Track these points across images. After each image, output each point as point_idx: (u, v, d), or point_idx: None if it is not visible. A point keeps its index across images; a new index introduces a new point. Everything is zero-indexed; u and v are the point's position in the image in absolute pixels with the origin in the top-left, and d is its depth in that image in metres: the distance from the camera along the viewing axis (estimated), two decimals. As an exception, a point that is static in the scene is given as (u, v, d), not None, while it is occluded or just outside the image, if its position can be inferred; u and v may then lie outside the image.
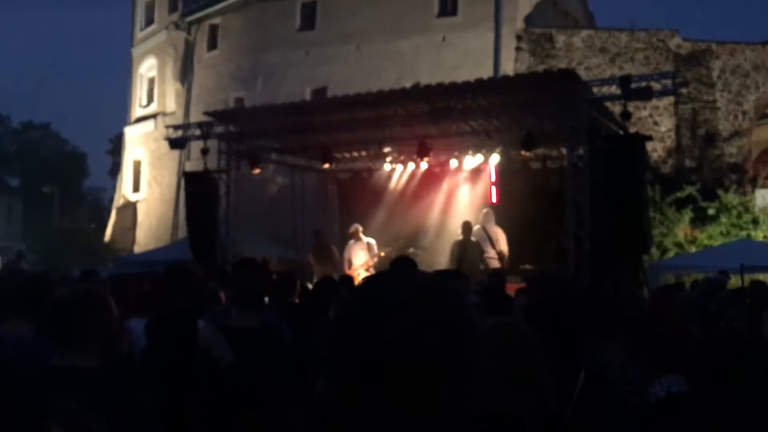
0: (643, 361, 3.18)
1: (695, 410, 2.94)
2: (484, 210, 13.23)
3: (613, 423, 2.85)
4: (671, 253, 15.79)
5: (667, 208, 16.33)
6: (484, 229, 12.87)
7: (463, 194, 15.03)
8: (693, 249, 15.80)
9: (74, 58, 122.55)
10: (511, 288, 8.41)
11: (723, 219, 16.19)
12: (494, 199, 14.38)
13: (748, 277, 12.07)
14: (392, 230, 14.61)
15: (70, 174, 50.26)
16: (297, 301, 6.50)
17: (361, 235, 13.84)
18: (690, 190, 16.51)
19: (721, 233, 15.98)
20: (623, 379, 2.97)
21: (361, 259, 13.63)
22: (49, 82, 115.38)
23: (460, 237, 12.71)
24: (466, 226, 12.68)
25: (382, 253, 13.86)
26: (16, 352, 3.10)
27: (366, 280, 1.25)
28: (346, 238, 14.42)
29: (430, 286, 1.16)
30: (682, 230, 16.25)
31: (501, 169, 14.49)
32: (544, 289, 5.27)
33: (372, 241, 13.90)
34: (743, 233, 15.72)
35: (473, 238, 12.57)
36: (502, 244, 12.79)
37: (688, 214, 16.24)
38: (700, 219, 16.41)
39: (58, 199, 37.29)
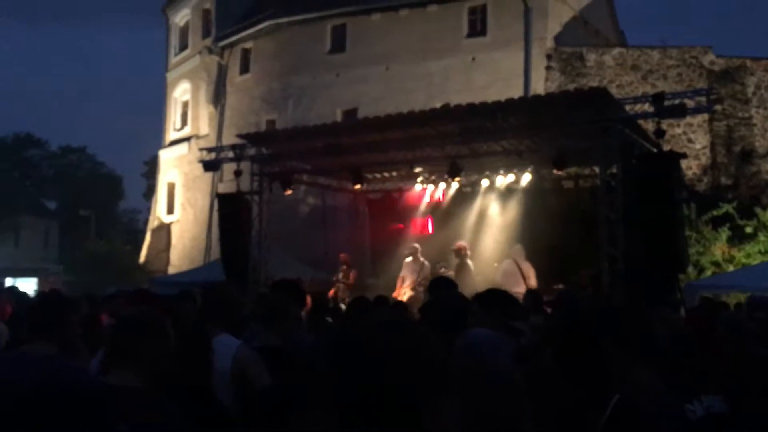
0: (678, 380, 3.10)
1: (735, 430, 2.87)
2: (516, 245, 13.18)
3: None
4: (708, 272, 15.48)
5: (703, 227, 16.04)
6: (516, 263, 12.81)
7: (494, 214, 14.99)
8: (731, 268, 15.46)
9: (110, 83, 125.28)
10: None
11: (761, 237, 15.84)
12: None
13: (788, 297, 11.85)
14: (424, 250, 14.60)
15: (106, 197, 51.06)
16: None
17: (419, 256, 13.98)
18: (727, 207, 16.19)
19: (760, 252, 15.63)
20: (655, 404, 2.87)
21: (410, 279, 13.78)
22: (85, 106, 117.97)
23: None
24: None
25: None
26: (47, 370, 3.12)
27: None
28: (378, 257, 14.53)
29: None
30: (719, 249, 15.94)
31: (533, 188, 14.42)
32: (560, 311, 5.21)
33: (427, 263, 13.97)
34: (782, 252, 15.39)
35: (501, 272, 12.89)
36: (533, 281, 12.74)
37: (725, 233, 15.92)
38: (738, 237, 16.08)
39: (94, 222, 37.91)
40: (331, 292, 14.19)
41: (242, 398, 3.85)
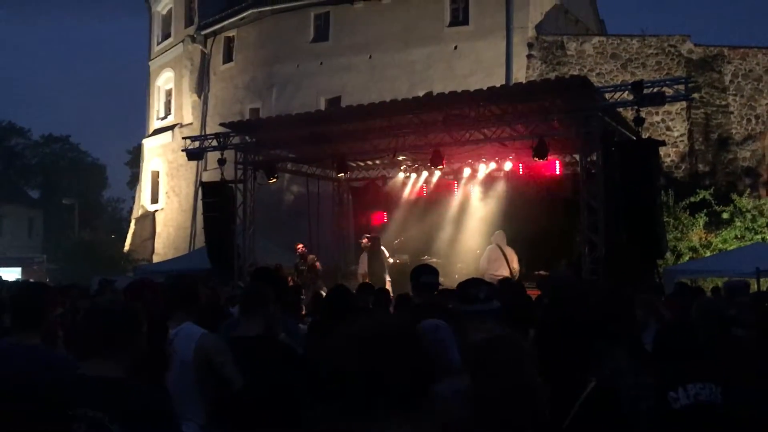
0: (662, 367, 3.13)
1: (723, 420, 2.86)
2: (497, 231, 13.32)
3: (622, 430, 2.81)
4: (686, 258, 15.75)
5: (681, 213, 16.31)
6: (500, 248, 12.97)
7: (476, 201, 15.15)
8: (707, 253, 15.75)
9: (93, 72, 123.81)
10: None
11: (737, 223, 16.13)
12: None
13: (764, 281, 12.13)
14: (407, 238, 14.74)
15: (90, 185, 50.76)
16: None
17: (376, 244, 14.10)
18: (704, 194, 16.46)
19: (736, 237, 15.92)
20: (633, 388, 2.91)
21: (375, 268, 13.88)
22: (68, 95, 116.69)
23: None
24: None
25: (395, 260, 14.10)
26: (31, 362, 3.16)
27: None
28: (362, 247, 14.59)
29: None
30: (696, 234, 16.22)
31: (514, 176, 14.58)
32: (549, 293, 5.27)
33: (384, 249, 14.13)
34: (758, 237, 15.65)
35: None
36: (515, 264, 12.95)
37: (702, 219, 16.20)
38: (715, 223, 16.36)
39: (78, 211, 37.65)
40: (290, 280, 14.21)
41: (211, 387, 3.85)
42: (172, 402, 2.71)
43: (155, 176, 30.16)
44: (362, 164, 16.33)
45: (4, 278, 14.09)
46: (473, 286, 3.60)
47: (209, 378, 3.84)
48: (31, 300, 3.54)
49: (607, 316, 3.16)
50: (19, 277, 19.77)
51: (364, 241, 14.27)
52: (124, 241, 31.83)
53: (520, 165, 14.09)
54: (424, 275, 4.91)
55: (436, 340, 3.43)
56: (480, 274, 11.26)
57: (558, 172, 13.98)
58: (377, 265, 13.76)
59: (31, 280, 16.41)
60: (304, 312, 9.26)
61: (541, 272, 12.70)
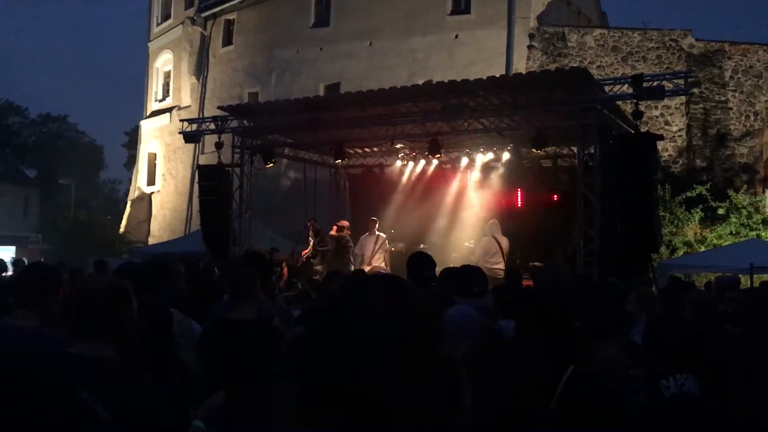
0: (655, 358, 3.17)
1: (705, 410, 2.90)
2: (491, 221, 13.27)
3: (607, 420, 2.82)
4: (680, 252, 15.81)
5: (676, 208, 16.35)
6: (495, 239, 12.96)
7: (473, 191, 15.14)
8: (702, 248, 15.80)
9: (92, 52, 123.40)
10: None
11: (733, 219, 16.18)
12: (519, 203, 14.65)
13: (758, 277, 12.18)
14: (403, 226, 14.74)
15: (87, 166, 50.63)
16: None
17: (376, 229, 14.07)
18: (700, 189, 16.50)
19: (731, 233, 15.97)
20: (621, 377, 2.93)
21: (368, 251, 13.89)
22: (66, 75, 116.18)
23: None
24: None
25: (393, 248, 14.07)
26: (28, 340, 3.17)
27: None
28: (359, 231, 14.58)
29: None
30: (691, 230, 16.26)
31: (512, 167, 14.58)
32: (539, 285, 5.27)
33: (383, 235, 14.09)
34: (753, 233, 15.70)
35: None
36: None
37: (698, 214, 16.24)
38: (710, 219, 16.41)
39: (75, 191, 37.61)
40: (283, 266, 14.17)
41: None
42: (163, 387, 2.66)
43: (152, 158, 30.10)
44: (360, 151, 16.31)
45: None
46: (471, 279, 3.60)
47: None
48: (35, 281, 3.54)
49: (596, 310, 3.16)
50: (14, 255, 19.72)
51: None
52: (120, 222, 31.79)
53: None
54: (426, 270, 4.90)
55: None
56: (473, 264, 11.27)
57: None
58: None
59: (42, 260, 16.38)
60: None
61: (536, 263, 12.72)
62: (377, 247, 13.84)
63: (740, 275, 11.02)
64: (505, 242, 12.95)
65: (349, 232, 14.35)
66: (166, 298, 4.13)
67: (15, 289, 3.59)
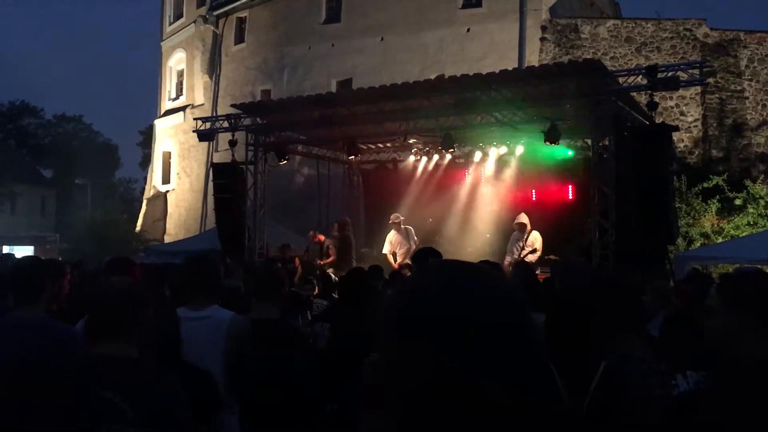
0: (669, 354, 3.14)
1: (716, 410, 2.87)
2: (521, 214, 13.11)
3: (632, 415, 2.80)
4: (697, 244, 15.65)
5: (693, 199, 16.19)
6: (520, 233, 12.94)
7: (486, 185, 15.10)
8: (719, 239, 15.63)
9: (106, 52, 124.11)
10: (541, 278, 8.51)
11: (750, 209, 15.99)
12: (533, 197, 14.57)
13: (775, 268, 12.03)
14: (417, 221, 14.71)
15: (102, 165, 51.00)
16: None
17: (402, 224, 13.96)
18: (717, 180, 16.31)
19: (749, 224, 15.79)
20: (645, 372, 2.91)
21: (405, 248, 13.76)
22: (81, 75, 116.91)
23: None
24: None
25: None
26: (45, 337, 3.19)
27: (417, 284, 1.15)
28: (372, 227, 14.55)
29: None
30: (708, 221, 16.10)
31: (526, 160, 14.51)
32: (560, 280, 5.23)
33: (410, 228, 14.04)
34: (771, 224, 15.56)
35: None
36: (538, 247, 12.88)
37: (714, 205, 16.07)
38: (727, 209, 16.23)
39: (91, 191, 37.92)
40: (297, 262, 14.05)
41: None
42: (182, 385, 2.66)
43: (167, 157, 30.26)
44: (373, 147, 16.28)
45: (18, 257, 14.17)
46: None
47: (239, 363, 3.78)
48: (29, 275, 3.57)
49: (615, 304, 3.14)
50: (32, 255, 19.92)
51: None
52: (136, 221, 32.01)
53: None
54: (431, 257, 4.90)
55: None
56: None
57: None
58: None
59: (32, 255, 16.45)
60: (316, 292, 9.29)
61: (552, 257, 12.66)
62: (411, 240, 13.81)
63: (759, 266, 10.90)
64: (531, 238, 12.88)
65: (351, 229, 14.29)
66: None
67: (13, 286, 3.60)
